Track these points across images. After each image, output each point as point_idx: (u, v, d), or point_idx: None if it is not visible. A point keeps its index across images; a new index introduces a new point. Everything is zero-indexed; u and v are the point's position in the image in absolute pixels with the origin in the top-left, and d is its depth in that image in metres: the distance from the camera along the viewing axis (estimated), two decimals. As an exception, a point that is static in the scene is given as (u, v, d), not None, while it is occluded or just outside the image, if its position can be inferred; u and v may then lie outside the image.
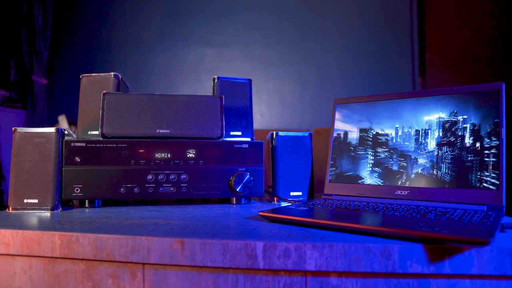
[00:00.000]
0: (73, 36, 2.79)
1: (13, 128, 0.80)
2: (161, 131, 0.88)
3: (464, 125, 0.75)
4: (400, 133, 0.83)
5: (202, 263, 0.55)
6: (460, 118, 0.76)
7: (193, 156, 0.87)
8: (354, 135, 0.91)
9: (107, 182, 0.83)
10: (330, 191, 0.90)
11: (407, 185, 0.79)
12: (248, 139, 1.01)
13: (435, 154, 0.77)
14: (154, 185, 0.84)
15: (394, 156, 0.83)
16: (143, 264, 0.58)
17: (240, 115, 1.02)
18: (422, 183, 0.77)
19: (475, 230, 0.52)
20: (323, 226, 0.62)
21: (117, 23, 2.75)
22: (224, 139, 0.94)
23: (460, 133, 0.75)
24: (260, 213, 0.71)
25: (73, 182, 0.81)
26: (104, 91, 0.88)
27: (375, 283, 0.53)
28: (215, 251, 0.55)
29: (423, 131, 0.80)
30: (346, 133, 0.92)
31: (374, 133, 0.87)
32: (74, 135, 0.90)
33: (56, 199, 0.79)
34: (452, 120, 0.77)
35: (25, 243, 0.60)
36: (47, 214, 0.77)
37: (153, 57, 2.71)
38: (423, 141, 0.80)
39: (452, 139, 0.76)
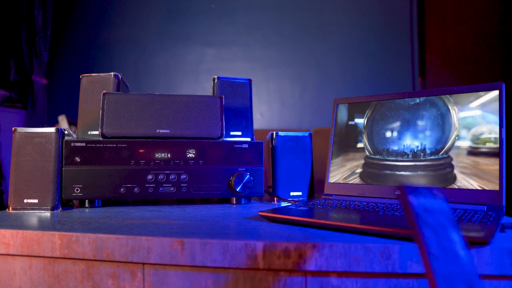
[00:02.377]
0: (73, 36, 2.79)
1: (13, 128, 0.80)
2: (161, 131, 0.88)
3: (464, 125, 0.75)
4: (400, 133, 0.83)
5: (202, 263, 0.55)
6: (460, 118, 0.76)
7: (193, 156, 0.87)
8: (354, 135, 0.91)
9: (107, 182, 0.83)
10: (330, 191, 0.90)
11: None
12: (248, 139, 1.01)
13: (435, 154, 0.77)
14: (154, 185, 0.84)
15: (394, 156, 0.83)
16: (143, 264, 0.58)
17: (240, 115, 1.01)
18: (422, 183, 0.77)
19: (475, 230, 0.53)
20: (323, 226, 0.62)
21: (117, 23, 2.75)
22: (224, 139, 0.94)
23: (460, 133, 0.75)
24: (260, 213, 0.71)
25: (73, 182, 0.81)
26: (104, 91, 0.88)
27: (375, 283, 0.53)
28: (215, 251, 0.55)
29: (423, 131, 0.80)
30: (346, 133, 0.92)
31: (374, 133, 0.87)
32: (74, 135, 0.90)
33: (56, 199, 0.79)
34: (452, 120, 0.77)
35: (25, 243, 0.60)
36: (47, 214, 0.77)
37: (153, 57, 2.71)
38: (423, 141, 0.80)
39: (452, 139, 0.76)
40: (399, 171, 0.81)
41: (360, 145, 0.89)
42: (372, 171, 0.85)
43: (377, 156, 0.85)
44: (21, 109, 2.56)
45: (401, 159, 0.81)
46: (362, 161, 0.87)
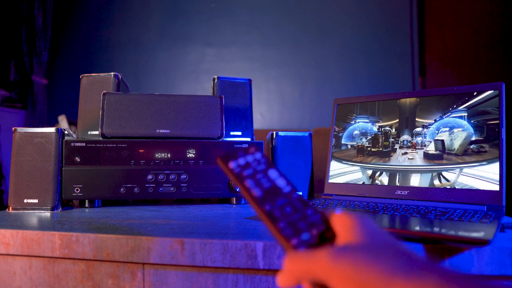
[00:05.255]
0: (73, 36, 2.79)
1: (13, 128, 0.80)
2: (161, 131, 0.88)
3: (464, 125, 0.75)
4: (400, 133, 0.83)
5: (202, 263, 0.55)
6: (460, 118, 0.76)
7: (193, 156, 0.87)
8: (354, 135, 0.91)
9: (107, 182, 0.83)
10: (330, 191, 0.90)
11: (407, 185, 0.79)
12: (248, 139, 1.01)
13: (435, 154, 0.77)
14: (154, 185, 0.84)
15: (394, 156, 0.83)
16: (143, 264, 0.58)
17: (240, 115, 1.01)
18: (422, 183, 0.77)
19: (475, 230, 0.52)
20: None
21: (117, 23, 2.75)
22: (224, 139, 0.94)
23: (460, 133, 0.75)
24: (260, 213, 0.71)
25: (73, 182, 0.81)
26: (104, 91, 0.88)
27: (375, 283, 0.53)
28: (215, 251, 0.55)
29: (423, 131, 0.80)
30: (346, 133, 0.92)
31: (374, 133, 0.87)
32: (74, 135, 0.90)
33: (56, 199, 0.79)
34: (452, 120, 0.77)
35: (25, 243, 0.60)
36: (47, 214, 0.77)
37: (153, 57, 2.71)
38: (423, 141, 0.80)
39: (452, 139, 0.76)
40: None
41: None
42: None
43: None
44: (21, 109, 2.56)
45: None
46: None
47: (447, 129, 0.77)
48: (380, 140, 0.86)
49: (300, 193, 0.35)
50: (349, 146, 0.91)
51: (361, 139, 0.89)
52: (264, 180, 0.34)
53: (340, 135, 0.92)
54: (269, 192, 0.33)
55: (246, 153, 0.36)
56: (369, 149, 0.87)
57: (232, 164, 0.35)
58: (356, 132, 0.90)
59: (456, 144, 0.75)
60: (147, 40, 2.72)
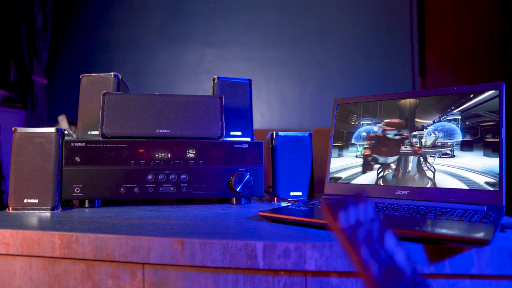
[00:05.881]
0: (73, 36, 2.79)
1: (13, 128, 0.80)
2: (161, 131, 0.88)
3: (464, 125, 0.75)
4: (400, 133, 0.83)
5: (202, 263, 0.55)
6: (460, 118, 0.76)
7: (193, 156, 0.87)
8: (354, 135, 0.91)
9: (107, 182, 0.83)
10: (330, 191, 0.90)
11: (407, 185, 0.79)
12: (248, 139, 1.01)
13: (435, 154, 0.77)
14: (154, 185, 0.84)
15: (394, 156, 0.83)
16: (143, 264, 0.58)
17: (240, 115, 1.01)
18: (422, 183, 0.77)
19: (475, 230, 0.53)
20: (323, 226, 0.62)
21: (117, 23, 2.75)
22: (224, 139, 0.94)
23: (460, 133, 0.75)
24: (260, 213, 0.71)
25: (73, 182, 0.81)
26: (104, 91, 0.88)
27: (375, 283, 0.53)
28: (215, 251, 0.55)
29: (423, 131, 0.80)
30: (346, 133, 0.92)
31: (374, 133, 0.87)
32: (74, 135, 0.90)
33: (56, 199, 0.79)
34: (452, 120, 0.77)
35: (25, 243, 0.60)
36: (47, 214, 0.77)
37: (153, 57, 2.71)
38: (423, 141, 0.80)
39: (452, 139, 0.76)
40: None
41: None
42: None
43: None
44: (21, 109, 2.56)
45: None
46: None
47: (447, 129, 0.77)
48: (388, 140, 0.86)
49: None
50: (358, 146, 0.91)
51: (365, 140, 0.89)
52: (381, 251, 0.23)
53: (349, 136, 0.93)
54: (387, 272, 0.23)
55: (357, 202, 0.26)
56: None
57: (343, 220, 0.24)
58: (364, 134, 0.90)
59: (456, 143, 0.75)
60: (147, 40, 2.72)
